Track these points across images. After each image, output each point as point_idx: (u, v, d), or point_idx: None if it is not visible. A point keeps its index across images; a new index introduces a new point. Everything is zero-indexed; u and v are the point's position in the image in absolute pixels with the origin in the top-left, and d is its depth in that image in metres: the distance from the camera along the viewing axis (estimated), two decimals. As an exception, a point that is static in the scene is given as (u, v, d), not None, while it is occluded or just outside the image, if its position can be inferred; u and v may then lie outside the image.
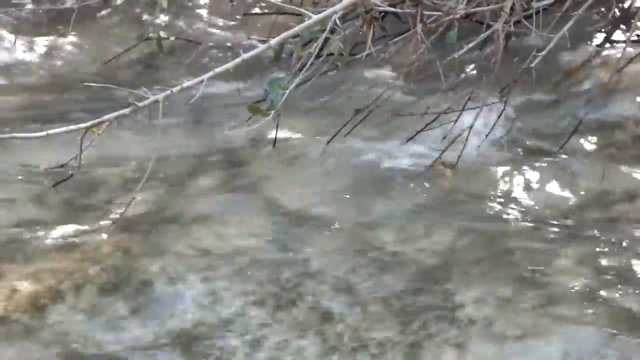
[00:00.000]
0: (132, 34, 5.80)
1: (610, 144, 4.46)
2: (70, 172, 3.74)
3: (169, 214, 4.01)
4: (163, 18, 5.74)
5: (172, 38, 3.91)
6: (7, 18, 6.28)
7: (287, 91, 3.41)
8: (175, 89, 3.17)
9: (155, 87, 3.29)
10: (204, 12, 6.42)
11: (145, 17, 6.14)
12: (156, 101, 3.12)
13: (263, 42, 4.21)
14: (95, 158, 4.33)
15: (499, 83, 4.35)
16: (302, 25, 3.42)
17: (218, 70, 3.21)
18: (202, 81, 3.15)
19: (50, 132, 3.13)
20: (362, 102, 4.61)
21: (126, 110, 3.13)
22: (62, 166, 4.15)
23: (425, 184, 4.17)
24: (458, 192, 4.12)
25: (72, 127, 3.17)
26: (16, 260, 3.68)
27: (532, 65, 4.06)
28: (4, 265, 3.63)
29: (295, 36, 3.67)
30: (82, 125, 3.13)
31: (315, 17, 3.39)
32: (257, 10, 6.20)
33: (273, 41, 3.34)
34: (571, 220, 3.91)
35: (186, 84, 3.19)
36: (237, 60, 3.24)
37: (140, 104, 3.15)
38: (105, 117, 3.13)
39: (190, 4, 6.45)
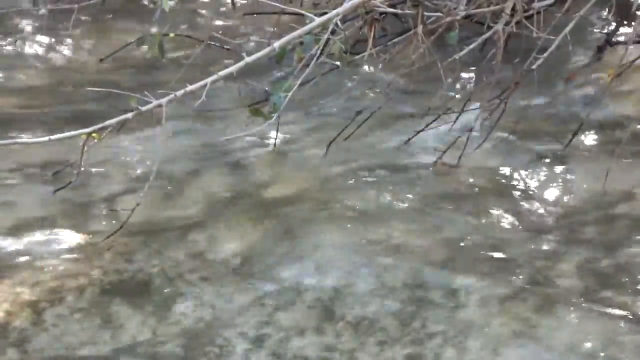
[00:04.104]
0: (132, 37, 5.79)
1: (611, 144, 4.46)
2: (70, 179, 3.73)
3: (170, 216, 4.01)
4: (164, 20, 5.72)
5: (172, 35, 3.89)
6: (7, 18, 6.27)
7: (290, 93, 3.40)
8: (178, 93, 3.16)
9: (158, 91, 3.27)
10: (204, 13, 6.42)
11: (145, 19, 6.14)
12: (159, 105, 3.10)
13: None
14: (97, 159, 4.34)
15: (500, 84, 4.35)
16: (304, 28, 3.41)
17: (222, 73, 3.20)
18: (205, 85, 3.13)
19: (53, 137, 3.12)
20: (362, 103, 4.61)
21: (129, 115, 3.12)
22: (57, 172, 4.16)
23: (425, 184, 4.18)
24: (458, 192, 4.12)
25: (74, 132, 3.15)
26: (17, 263, 3.68)
27: (534, 67, 4.07)
28: (5, 268, 3.63)
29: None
30: (85, 130, 3.12)
31: (318, 20, 3.38)
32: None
33: (276, 44, 3.33)
34: (572, 220, 3.91)
35: (190, 87, 3.17)
36: (241, 63, 3.23)
37: (143, 108, 3.14)
38: (108, 122, 3.11)
39: (191, 5, 6.45)
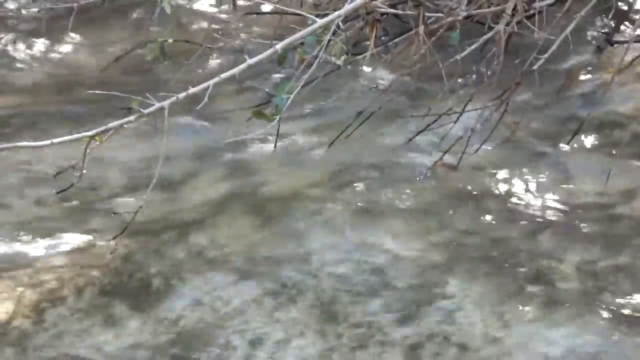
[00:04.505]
0: (132, 36, 5.78)
1: (611, 144, 4.46)
2: (72, 181, 3.73)
3: (170, 216, 4.01)
4: (163, 20, 5.71)
5: (171, 40, 3.89)
6: (7, 18, 6.26)
7: (292, 95, 3.40)
8: (181, 95, 3.15)
9: (160, 93, 3.26)
10: (204, 13, 6.41)
11: (145, 19, 6.13)
12: (162, 108, 3.10)
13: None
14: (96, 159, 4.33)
15: (500, 84, 4.34)
16: (306, 30, 3.40)
17: (224, 75, 3.19)
18: (208, 87, 3.13)
19: (55, 140, 3.11)
20: (363, 103, 4.61)
21: (131, 118, 3.11)
22: (60, 173, 4.15)
23: (425, 184, 4.17)
24: (458, 192, 4.12)
25: (76, 135, 3.14)
26: (18, 264, 3.67)
27: (535, 67, 4.06)
28: (5, 270, 3.63)
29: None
30: (87, 133, 3.11)
31: (320, 22, 3.38)
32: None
33: (278, 46, 3.32)
34: (572, 220, 3.91)
35: (192, 90, 3.17)
36: (243, 65, 3.22)
37: (146, 111, 3.13)
38: (110, 124, 3.11)
39: (191, 6, 6.43)
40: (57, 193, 4.01)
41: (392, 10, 4.13)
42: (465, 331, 3.23)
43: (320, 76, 4.22)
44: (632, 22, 5.09)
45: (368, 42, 3.93)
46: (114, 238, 3.75)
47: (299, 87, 3.42)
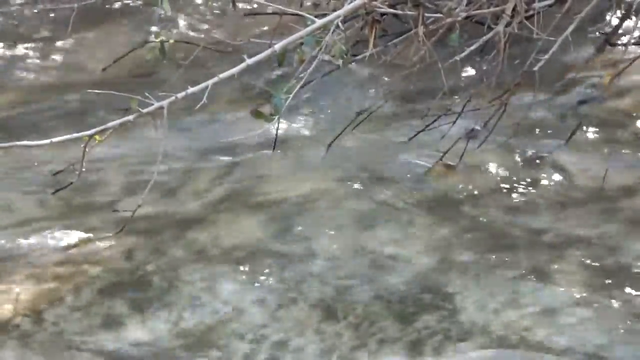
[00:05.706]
0: (132, 37, 5.79)
1: (609, 141, 4.47)
2: (71, 180, 3.74)
3: (169, 215, 4.02)
4: (163, 20, 5.72)
5: (172, 41, 3.89)
6: (7, 19, 6.27)
7: (291, 95, 3.40)
8: (179, 95, 3.16)
9: (159, 92, 3.27)
10: (204, 13, 6.41)
11: (145, 20, 6.14)
12: (161, 107, 3.11)
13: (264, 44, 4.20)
14: (97, 159, 4.34)
15: (500, 84, 4.35)
16: (305, 30, 3.41)
17: (222, 75, 3.20)
18: (207, 87, 3.14)
19: (55, 140, 3.13)
20: (362, 104, 4.61)
21: (130, 117, 3.12)
22: (59, 172, 4.16)
23: (425, 184, 4.18)
24: (457, 192, 4.13)
25: (75, 134, 3.16)
26: (17, 263, 3.68)
27: (535, 68, 4.07)
28: (4, 268, 3.63)
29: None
30: (86, 132, 3.12)
31: (318, 22, 3.38)
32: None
33: (277, 46, 3.33)
34: (572, 218, 3.92)
35: (191, 89, 3.18)
36: (242, 65, 3.23)
37: (144, 110, 3.14)
38: (110, 124, 3.12)
39: (191, 6, 6.44)
40: (55, 192, 4.01)
41: (392, 11, 4.14)
42: (466, 330, 3.23)
43: (319, 76, 4.23)
44: (632, 22, 5.08)
45: (367, 42, 3.94)
46: (114, 235, 3.76)
47: (298, 87, 3.43)
